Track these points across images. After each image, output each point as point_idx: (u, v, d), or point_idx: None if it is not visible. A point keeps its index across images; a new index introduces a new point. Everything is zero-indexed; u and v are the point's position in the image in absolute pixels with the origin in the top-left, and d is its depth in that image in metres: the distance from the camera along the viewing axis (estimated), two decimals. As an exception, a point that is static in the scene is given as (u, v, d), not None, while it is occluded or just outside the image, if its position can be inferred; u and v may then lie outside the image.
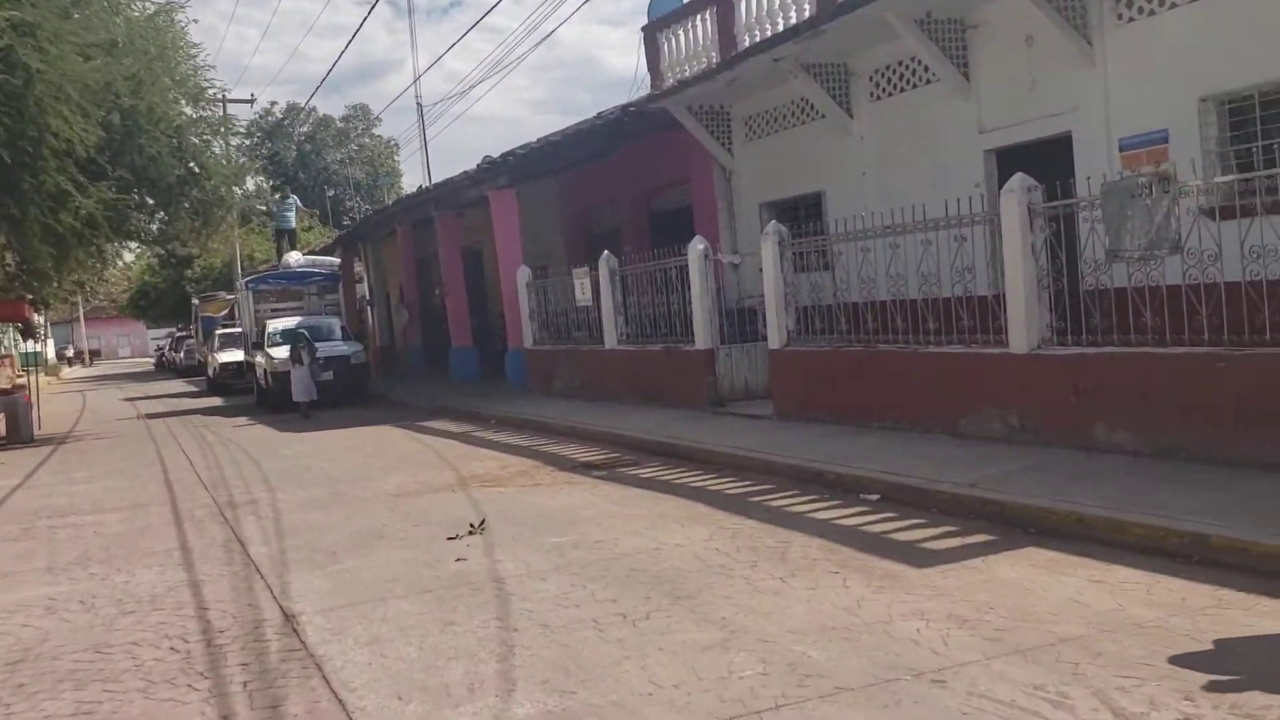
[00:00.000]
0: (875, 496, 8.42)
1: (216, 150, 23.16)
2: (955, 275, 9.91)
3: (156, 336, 76.77)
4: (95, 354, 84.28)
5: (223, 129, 22.00)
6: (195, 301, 39.99)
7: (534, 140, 20.23)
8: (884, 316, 10.91)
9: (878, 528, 7.50)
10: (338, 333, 24.58)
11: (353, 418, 19.67)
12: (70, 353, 74.90)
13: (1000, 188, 12.36)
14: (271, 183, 63.00)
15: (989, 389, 9.54)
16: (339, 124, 64.90)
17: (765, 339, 14.33)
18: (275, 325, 24.57)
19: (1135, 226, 8.04)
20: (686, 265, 14.56)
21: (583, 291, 17.57)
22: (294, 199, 33.30)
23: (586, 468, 11.57)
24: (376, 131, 66.66)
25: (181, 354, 48.58)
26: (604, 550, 7.50)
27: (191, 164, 20.65)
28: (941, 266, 10.09)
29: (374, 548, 8.32)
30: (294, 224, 31.13)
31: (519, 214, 21.06)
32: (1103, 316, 8.50)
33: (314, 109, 65.12)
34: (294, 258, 27.37)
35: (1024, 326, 9.09)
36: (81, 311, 69.63)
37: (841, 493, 8.78)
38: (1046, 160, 12.39)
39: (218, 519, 10.23)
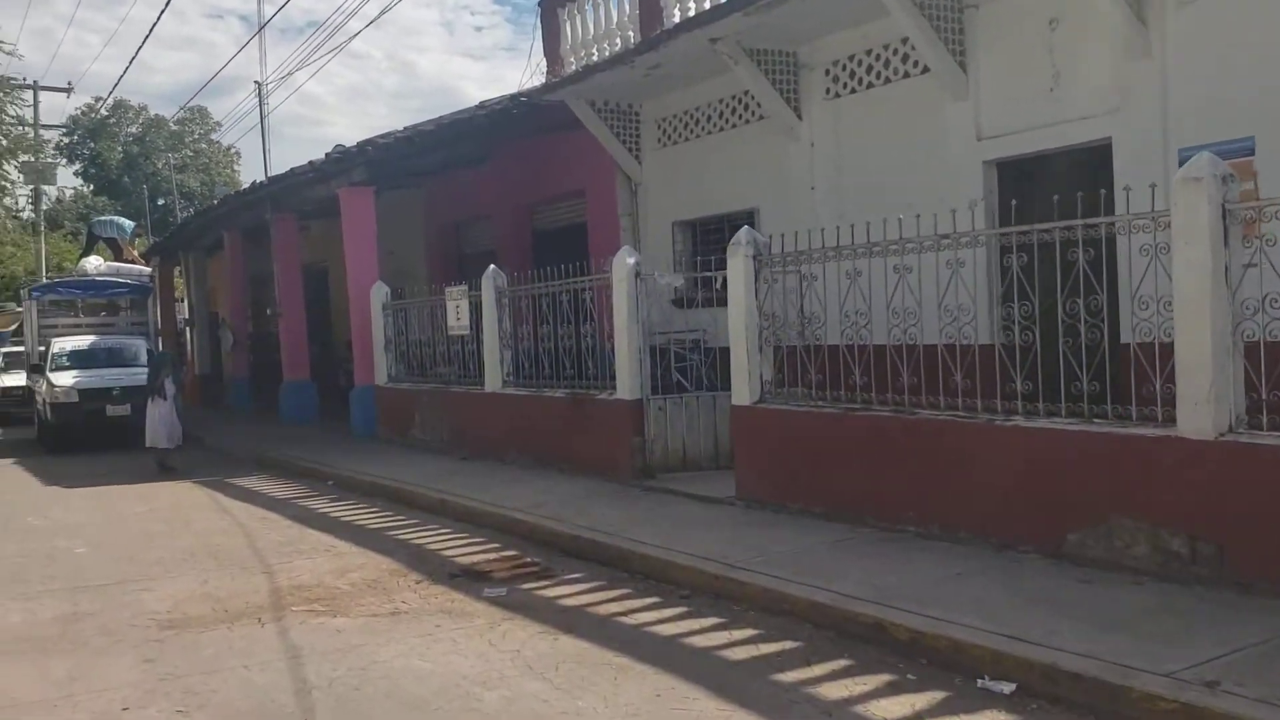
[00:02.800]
0: (1008, 688, 4.81)
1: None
2: (1067, 313, 6.50)
3: (-43, 354, 68.13)
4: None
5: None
6: (-23, 314, 34.06)
7: (399, 129, 16.28)
8: (927, 367, 7.42)
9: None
10: (142, 357, 19.86)
11: (146, 469, 15.13)
12: None
13: (1000, 205, 9.28)
14: (90, 187, 56.58)
15: (1131, 491, 6.08)
16: (173, 126, 58.72)
17: (682, 389, 10.77)
18: (62, 345, 19.77)
19: None
20: (607, 286, 10.87)
21: (458, 316, 13.64)
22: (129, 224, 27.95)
23: (472, 577, 7.69)
24: (215, 137, 60.73)
25: (-28, 376, 41.99)
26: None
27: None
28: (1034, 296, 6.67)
29: (85, 783, 4.30)
30: (118, 235, 25.73)
31: (375, 223, 16.93)
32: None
33: (144, 107, 58.93)
34: (92, 263, 22.50)
35: (1209, 396, 5.66)
36: None
37: (933, 669, 5.16)
38: (1070, 175, 9.34)
39: None
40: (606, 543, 7.98)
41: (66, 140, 55.04)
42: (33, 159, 26.80)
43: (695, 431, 10.50)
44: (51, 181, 40.60)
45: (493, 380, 12.98)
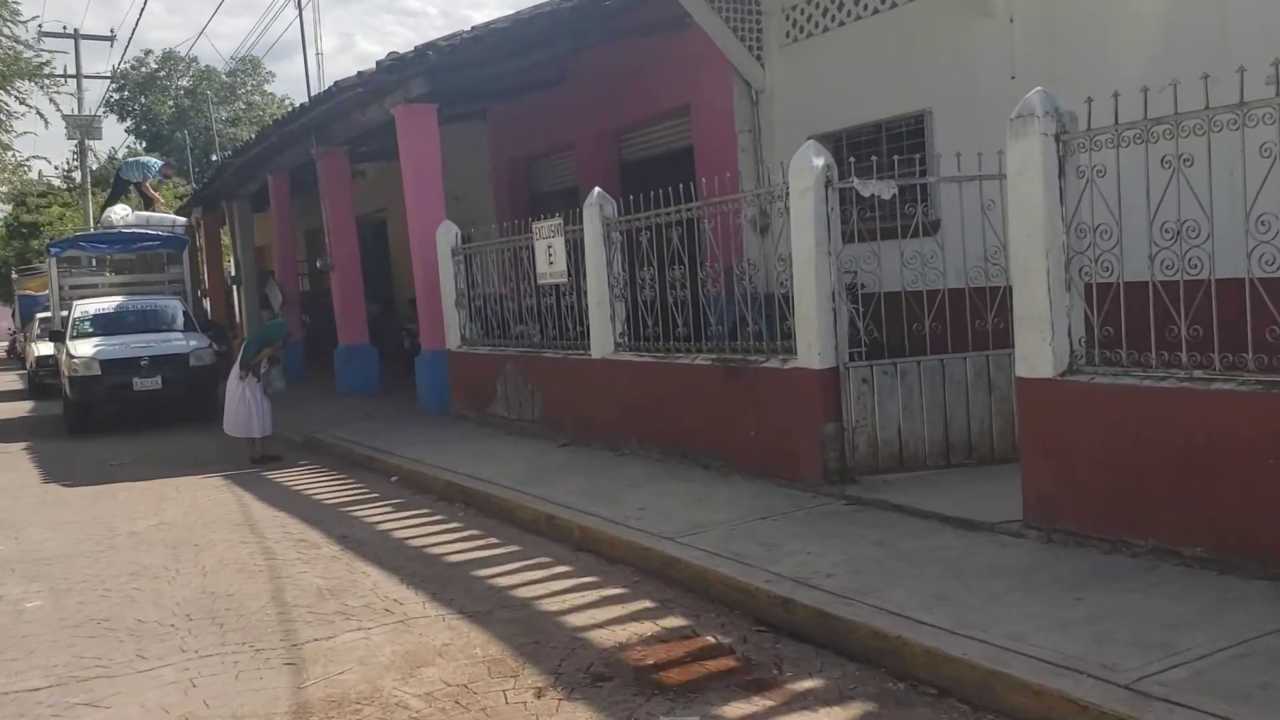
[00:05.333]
0: None
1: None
2: None
3: (27, 318, 66.61)
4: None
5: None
6: (14, 276, 31.56)
7: (465, 29, 13.05)
8: None
9: None
10: (179, 320, 17.01)
11: (174, 455, 12.27)
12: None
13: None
14: (143, 144, 54.14)
15: None
16: (224, 78, 56.01)
17: (862, 354, 7.39)
18: (84, 309, 16.92)
19: None
20: (782, 202, 7.58)
21: (551, 260, 10.42)
22: (156, 163, 24.83)
23: (627, 679, 4.51)
24: (269, 89, 57.84)
25: (28, 341, 39.96)
26: None
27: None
28: None
29: None
30: (143, 177, 22.74)
31: (439, 148, 13.71)
32: None
33: (194, 59, 56.16)
34: (118, 213, 19.60)
35: None
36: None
37: None
38: None
39: None
40: (847, 618, 4.72)
41: (116, 96, 52.62)
42: (38, 86, 23.28)
43: (913, 414, 7.20)
44: (97, 136, 38.09)
45: (602, 343, 9.76)
